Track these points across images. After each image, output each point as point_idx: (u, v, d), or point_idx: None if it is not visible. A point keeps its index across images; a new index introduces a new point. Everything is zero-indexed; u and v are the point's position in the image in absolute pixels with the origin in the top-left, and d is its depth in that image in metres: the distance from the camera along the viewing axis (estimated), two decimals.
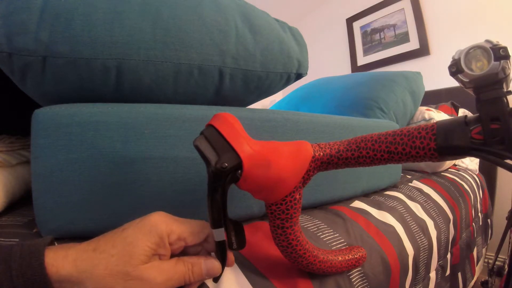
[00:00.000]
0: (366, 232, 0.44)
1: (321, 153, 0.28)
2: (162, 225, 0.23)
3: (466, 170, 1.09)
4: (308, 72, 0.51)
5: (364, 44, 2.01)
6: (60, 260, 0.20)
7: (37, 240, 0.21)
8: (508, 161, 0.22)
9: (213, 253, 0.28)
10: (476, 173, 1.14)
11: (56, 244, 0.23)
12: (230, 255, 0.29)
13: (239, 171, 0.24)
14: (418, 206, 0.61)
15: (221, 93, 0.43)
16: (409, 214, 0.55)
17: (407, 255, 0.46)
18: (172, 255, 0.25)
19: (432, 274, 0.57)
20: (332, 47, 2.22)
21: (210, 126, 0.26)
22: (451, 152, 0.24)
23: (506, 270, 0.72)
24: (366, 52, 1.99)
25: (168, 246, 0.24)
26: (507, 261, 0.92)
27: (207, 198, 0.24)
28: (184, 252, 0.27)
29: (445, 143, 0.24)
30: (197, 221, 0.26)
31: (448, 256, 0.66)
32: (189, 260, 0.25)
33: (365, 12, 1.98)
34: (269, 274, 0.31)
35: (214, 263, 0.26)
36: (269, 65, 0.44)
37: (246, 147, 0.25)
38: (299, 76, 0.50)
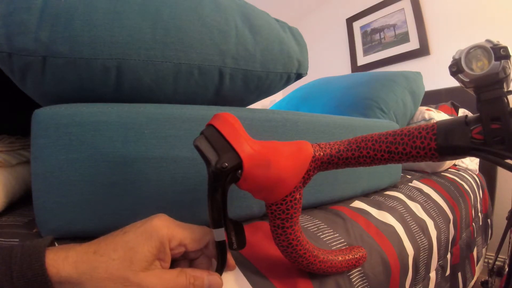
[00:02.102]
0: (366, 232, 0.44)
1: (322, 153, 0.28)
2: (163, 230, 0.23)
3: (466, 170, 1.09)
4: (308, 72, 0.51)
5: (364, 44, 2.01)
6: (60, 261, 0.20)
7: (37, 240, 0.21)
8: (508, 161, 0.22)
9: (214, 261, 0.28)
10: (476, 173, 1.14)
11: (56, 244, 0.23)
12: (231, 260, 0.29)
13: (239, 171, 0.24)
14: (418, 206, 0.61)
15: (221, 93, 0.43)
16: (409, 214, 0.55)
17: (407, 255, 0.46)
18: (172, 259, 0.25)
19: (432, 274, 0.57)
20: (332, 47, 2.23)
21: (210, 126, 0.26)
22: (451, 152, 0.24)
23: (506, 270, 0.72)
24: (366, 52, 1.99)
25: (169, 252, 0.24)
26: (507, 261, 0.92)
27: (207, 198, 0.24)
28: (184, 256, 0.26)
29: (445, 143, 0.24)
30: (198, 227, 0.26)
31: (448, 256, 0.66)
32: (192, 273, 0.24)
33: (365, 12, 1.98)
34: (269, 274, 0.31)
35: (217, 280, 0.25)
36: (269, 65, 0.44)
37: (246, 147, 0.25)
38: (299, 76, 0.50)
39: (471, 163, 1.13)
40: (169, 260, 0.24)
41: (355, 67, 2.06)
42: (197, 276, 0.24)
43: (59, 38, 0.29)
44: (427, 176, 0.85)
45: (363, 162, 0.27)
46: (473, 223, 0.87)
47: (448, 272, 0.66)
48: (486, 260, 1.14)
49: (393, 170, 0.68)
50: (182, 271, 0.24)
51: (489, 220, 1.14)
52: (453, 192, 0.79)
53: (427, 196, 0.68)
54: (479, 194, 1.00)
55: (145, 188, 0.33)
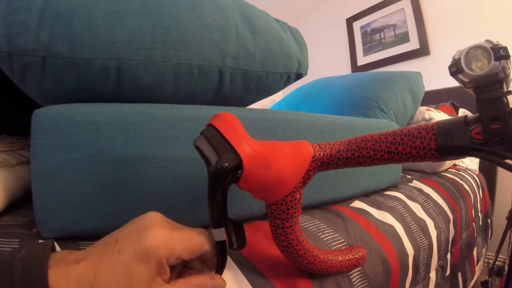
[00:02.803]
0: (366, 232, 0.44)
1: (322, 153, 0.28)
2: (160, 250, 0.22)
3: (466, 170, 1.09)
4: (308, 72, 0.51)
5: (364, 44, 2.01)
6: (63, 282, 0.20)
7: (37, 250, 0.20)
8: (508, 161, 0.22)
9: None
10: (476, 173, 1.14)
11: (56, 245, 0.23)
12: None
13: (239, 171, 0.24)
14: (418, 206, 0.61)
15: (221, 93, 0.43)
16: (409, 214, 0.55)
17: (407, 255, 0.46)
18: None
19: (432, 274, 0.57)
20: (332, 47, 2.22)
21: (210, 126, 0.26)
22: (451, 152, 0.24)
23: (506, 270, 0.72)
24: (366, 52, 1.99)
25: (167, 267, 0.23)
26: (507, 261, 0.92)
27: (207, 198, 0.24)
28: None
29: (445, 143, 0.24)
30: (197, 234, 0.25)
31: (448, 256, 0.66)
32: (195, 281, 0.24)
33: (365, 12, 1.98)
34: (269, 274, 0.31)
35: (220, 283, 0.25)
36: (269, 65, 0.44)
37: (247, 147, 0.25)
38: (299, 76, 0.50)
39: (471, 163, 1.13)
40: (168, 272, 0.23)
41: (355, 67, 2.06)
42: (200, 284, 0.24)
43: (59, 38, 0.29)
44: (427, 176, 0.85)
45: (363, 162, 0.27)
46: (473, 223, 0.87)
47: (448, 272, 0.66)
48: (486, 260, 1.14)
49: (393, 170, 0.68)
50: (185, 282, 0.24)
51: (489, 220, 1.14)
52: (453, 192, 0.79)
53: (427, 196, 0.68)
54: (479, 194, 1.00)
55: (145, 188, 0.33)
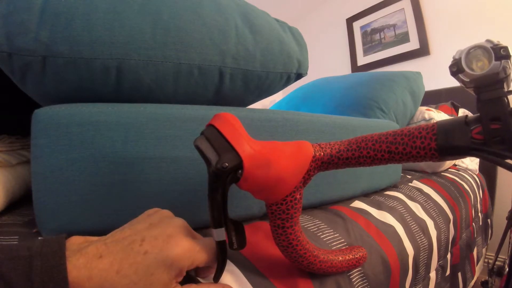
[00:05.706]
0: (366, 232, 0.44)
1: (322, 153, 0.28)
2: (185, 260, 0.23)
3: (466, 170, 1.09)
4: (308, 72, 0.51)
5: (364, 44, 2.01)
6: (86, 284, 0.20)
7: (52, 243, 0.20)
8: (508, 161, 0.22)
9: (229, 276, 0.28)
10: (476, 173, 1.14)
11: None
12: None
13: (240, 171, 0.24)
14: (418, 206, 0.61)
15: (221, 93, 0.43)
16: (409, 214, 0.55)
17: (407, 255, 0.46)
18: None
19: (432, 274, 0.57)
20: (332, 47, 2.23)
21: (210, 126, 0.26)
22: (451, 152, 0.24)
23: (506, 270, 0.72)
24: (366, 52, 1.99)
25: (184, 273, 0.24)
26: (507, 261, 0.92)
27: (208, 198, 0.24)
28: None
29: (445, 143, 0.24)
30: (212, 246, 0.26)
31: (448, 256, 0.66)
32: None
33: (365, 12, 1.98)
34: (269, 274, 0.31)
35: None
36: (269, 65, 0.44)
37: (247, 147, 0.25)
38: (299, 76, 0.50)
39: (471, 163, 1.13)
40: (183, 276, 0.25)
41: (355, 67, 2.06)
42: None
43: (59, 38, 0.29)
44: (427, 176, 0.85)
45: (363, 162, 0.27)
46: (473, 223, 0.87)
47: (448, 272, 0.66)
48: (486, 260, 1.14)
49: (393, 170, 0.68)
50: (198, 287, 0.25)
51: (489, 220, 1.14)
52: (453, 192, 0.79)
53: (427, 196, 0.68)
54: (479, 194, 1.00)
55: (145, 188, 0.33)
